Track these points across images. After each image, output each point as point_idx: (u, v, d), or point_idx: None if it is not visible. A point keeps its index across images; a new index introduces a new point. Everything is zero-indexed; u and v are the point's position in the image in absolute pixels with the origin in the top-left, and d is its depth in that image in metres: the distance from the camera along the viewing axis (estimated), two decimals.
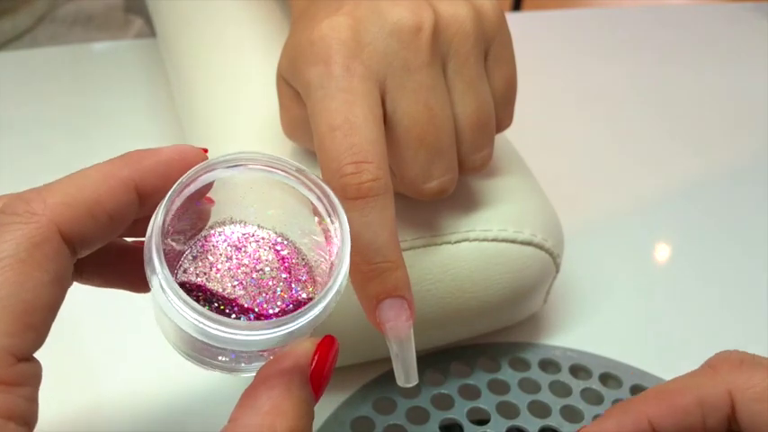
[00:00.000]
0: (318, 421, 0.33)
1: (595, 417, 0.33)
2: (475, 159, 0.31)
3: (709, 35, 0.74)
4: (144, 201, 0.22)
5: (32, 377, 0.20)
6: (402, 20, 0.28)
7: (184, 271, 0.24)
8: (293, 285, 0.24)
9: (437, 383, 0.35)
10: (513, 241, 0.33)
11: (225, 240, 0.25)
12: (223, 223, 0.25)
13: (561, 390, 0.35)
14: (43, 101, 0.54)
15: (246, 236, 0.25)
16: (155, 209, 0.22)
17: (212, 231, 0.25)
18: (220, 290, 0.24)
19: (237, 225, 0.25)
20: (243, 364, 0.23)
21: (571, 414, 0.34)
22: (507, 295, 0.34)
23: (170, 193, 0.22)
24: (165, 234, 0.22)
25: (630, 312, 0.41)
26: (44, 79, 0.57)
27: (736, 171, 0.54)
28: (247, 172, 0.24)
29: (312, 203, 0.24)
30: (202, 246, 0.25)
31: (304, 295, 0.24)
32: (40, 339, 0.20)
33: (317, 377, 0.22)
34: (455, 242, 0.32)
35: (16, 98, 0.54)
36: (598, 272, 0.43)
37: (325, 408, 0.33)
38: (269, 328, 0.21)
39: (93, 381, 0.34)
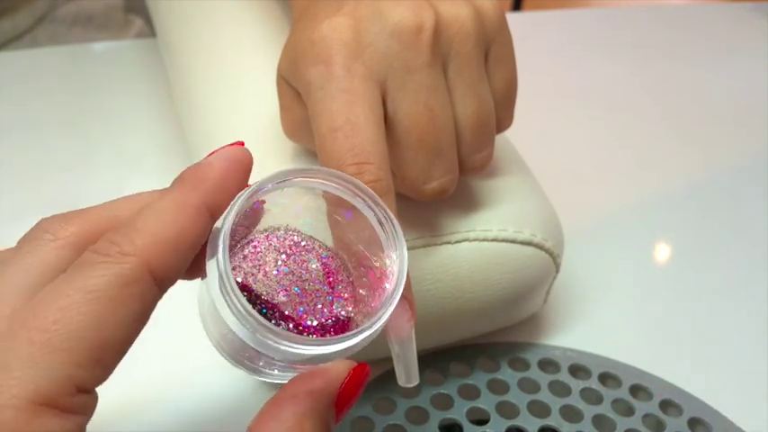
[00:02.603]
0: None
1: (595, 417, 0.33)
2: (475, 160, 0.31)
3: (709, 35, 0.74)
4: (213, 216, 0.23)
5: (88, 409, 0.20)
6: (403, 20, 0.28)
7: (233, 269, 0.24)
8: (335, 301, 0.25)
9: (437, 383, 0.35)
10: (513, 241, 0.33)
11: (276, 246, 0.25)
12: (277, 229, 0.25)
13: (561, 389, 0.35)
14: (43, 101, 0.54)
15: (297, 244, 0.25)
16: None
17: (265, 234, 0.25)
18: (264, 293, 0.24)
19: (290, 233, 0.25)
20: (276, 371, 0.24)
21: (570, 414, 0.34)
22: (507, 295, 0.34)
23: (243, 197, 0.22)
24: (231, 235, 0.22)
25: (630, 312, 0.41)
26: (44, 79, 0.57)
27: (736, 171, 0.54)
28: (313, 186, 0.24)
29: (374, 228, 0.24)
30: (254, 247, 0.25)
31: (344, 314, 0.25)
32: (105, 375, 0.20)
33: (342, 402, 0.23)
34: (455, 242, 0.32)
35: (16, 98, 0.54)
36: (598, 272, 0.43)
37: None
38: (318, 345, 0.22)
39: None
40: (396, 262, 0.23)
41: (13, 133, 0.51)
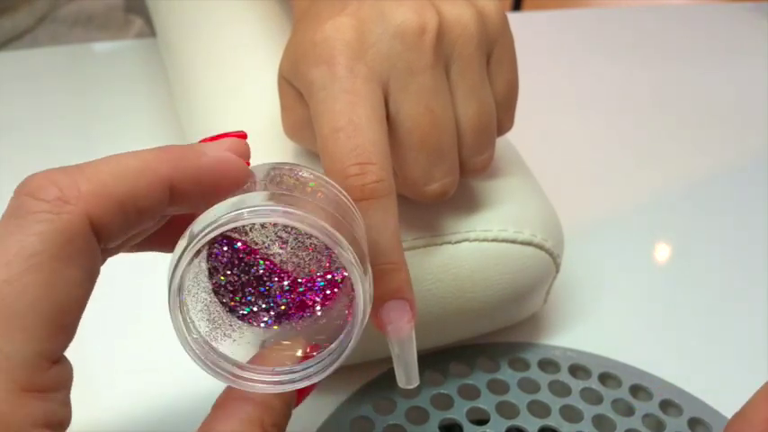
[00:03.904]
0: (318, 421, 0.33)
1: (595, 417, 0.33)
2: (476, 162, 0.31)
3: (709, 35, 0.74)
4: (173, 201, 0.21)
5: (66, 379, 0.19)
6: (406, 21, 0.28)
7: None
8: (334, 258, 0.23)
9: (437, 383, 0.35)
10: (513, 241, 0.33)
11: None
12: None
13: (561, 389, 0.35)
14: (43, 101, 0.54)
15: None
16: (182, 209, 0.21)
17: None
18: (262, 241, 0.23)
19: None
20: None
21: (570, 414, 0.34)
22: (507, 295, 0.34)
23: (190, 249, 0.20)
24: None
25: (630, 312, 0.41)
26: (44, 79, 0.57)
27: (736, 171, 0.54)
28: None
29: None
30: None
31: (339, 274, 0.24)
32: (70, 338, 0.19)
33: (305, 388, 0.23)
34: (455, 242, 0.32)
35: (16, 98, 0.54)
36: (598, 272, 0.43)
37: (325, 408, 0.33)
38: (269, 383, 0.22)
39: (91, 386, 0.34)
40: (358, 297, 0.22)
41: (13, 133, 0.51)
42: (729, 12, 0.78)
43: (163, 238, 0.24)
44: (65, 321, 0.18)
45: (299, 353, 0.23)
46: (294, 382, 0.22)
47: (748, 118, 0.60)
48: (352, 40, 0.28)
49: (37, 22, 0.63)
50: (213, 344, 0.22)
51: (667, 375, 0.36)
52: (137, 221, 0.20)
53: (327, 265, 0.23)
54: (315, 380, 0.22)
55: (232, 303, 0.23)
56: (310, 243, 0.23)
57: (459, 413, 0.33)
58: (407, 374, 0.26)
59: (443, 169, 0.29)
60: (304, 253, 0.23)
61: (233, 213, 0.20)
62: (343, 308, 0.24)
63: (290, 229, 0.23)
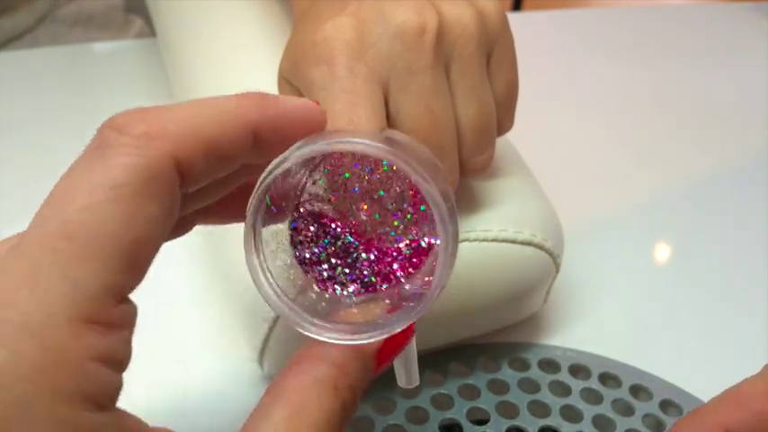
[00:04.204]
0: None
1: (595, 417, 0.33)
2: (476, 162, 0.31)
3: (709, 35, 0.74)
4: (255, 147, 0.21)
5: (130, 320, 0.18)
6: (406, 21, 0.28)
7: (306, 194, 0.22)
8: (419, 224, 0.23)
9: (437, 383, 0.35)
10: (513, 241, 0.33)
11: (356, 162, 0.23)
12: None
13: (561, 390, 0.35)
14: (43, 101, 0.54)
15: (378, 164, 0.23)
16: (262, 158, 0.21)
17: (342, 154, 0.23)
18: (341, 210, 0.23)
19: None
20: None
21: (571, 414, 0.34)
22: (507, 295, 0.34)
23: (275, 172, 0.20)
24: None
25: (630, 312, 0.41)
26: (44, 79, 0.57)
27: (736, 171, 0.54)
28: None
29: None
30: (334, 160, 0.23)
31: (427, 240, 0.23)
32: (140, 278, 0.18)
33: (386, 352, 0.22)
34: None
35: (16, 98, 0.54)
36: (598, 272, 0.43)
37: None
38: (346, 338, 0.21)
39: None
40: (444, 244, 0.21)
41: (13, 133, 0.51)
42: (729, 12, 0.78)
43: (228, 207, 0.24)
44: (139, 258, 0.18)
45: (380, 312, 0.23)
46: (373, 334, 0.21)
47: (748, 118, 0.60)
48: (352, 40, 0.28)
49: (37, 22, 0.63)
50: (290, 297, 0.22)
51: (667, 375, 0.36)
52: (220, 166, 0.20)
53: (414, 230, 0.23)
54: (395, 329, 0.21)
55: (316, 273, 0.23)
56: (396, 207, 0.23)
57: (459, 413, 0.33)
58: (408, 374, 0.26)
59: (443, 169, 0.29)
60: (390, 218, 0.23)
61: (328, 141, 0.20)
62: (427, 272, 0.23)
63: (375, 192, 0.23)
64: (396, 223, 0.23)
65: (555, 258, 0.35)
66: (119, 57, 0.61)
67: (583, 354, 0.37)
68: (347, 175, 0.23)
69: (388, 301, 0.23)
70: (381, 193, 0.23)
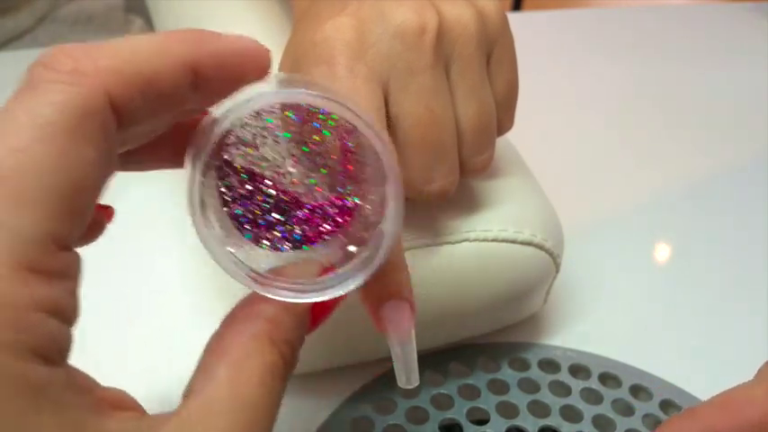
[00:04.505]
0: (318, 421, 0.33)
1: (595, 417, 0.33)
2: (476, 162, 0.31)
3: (709, 35, 0.74)
4: (195, 87, 0.20)
5: (75, 269, 0.17)
6: (406, 21, 0.28)
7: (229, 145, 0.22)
8: (346, 182, 0.23)
9: (437, 383, 0.35)
10: (513, 241, 0.33)
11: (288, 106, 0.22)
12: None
13: (561, 390, 0.35)
14: None
15: (312, 112, 0.22)
16: (203, 100, 0.20)
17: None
18: (271, 164, 0.22)
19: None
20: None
21: (571, 414, 0.34)
22: (507, 295, 0.34)
23: (251, 99, 0.19)
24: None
25: (630, 312, 0.41)
26: None
27: (736, 171, 0.54)
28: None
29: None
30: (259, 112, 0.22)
31: (352, 199, 0.23)
32: (82, 225, 0.17)
33: (319, 307, 0.22)
34: (455, 242, 0.32)
35: None
36: (598, 272, 0.43)
37: (325, 408, 0.33)
38: (294, 296, 0.21)
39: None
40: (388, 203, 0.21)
41: None
42: (729, 12, 0.78)
43: (169, 149, 0.23)
44: (78, 203, 0.17)
45: (315, 271, 0.23)
46: (316, 292, 0.21)
47: (748, 118, 0.60)
48: (352, 40, 0.28)
49: (37, 21, 0.63)
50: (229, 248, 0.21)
51: (667, 375, 0.36)
52: (159, 105, 0.19)
53: (341, 189, 0.23)
54: (338, 293, 0.21)
55: (246, 227, 0.23)
56: (324, 163, 0.23)
57: (459, 413, 0.33)
58: (408, 374, 0.26)
59: (443, 169, 0.29)
60: (316, 174, 0.23)
61: (265, 90, 0.19)
62: (357, 232, 0.23)
63: (303, 145, 0.22)
64: (321, 178, 0.23)
65: (555, 258, 0.35)
66: None
67: (583, 354, 0.37)
68: (269, 120, 0.23)
69: (319, 262, 0.23)
70: (306, 149, 0.23)
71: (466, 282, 0.32)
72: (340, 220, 0.23)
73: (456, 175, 0.30)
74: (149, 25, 0.66)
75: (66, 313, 0.17)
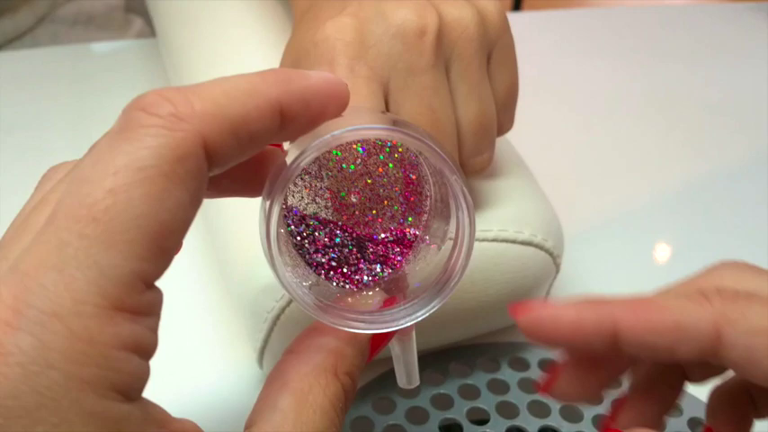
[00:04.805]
0: None
1: (595, 417, 0.33)
2: (475, 162, 0.31)
3: (709, 35, 0.74)
4: (282, 125, 0.20)
5: (158, 306, 0.18)
6: (406, 22, 0.28)
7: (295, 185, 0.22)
8: (408, 213, 0.23)
9: (437, 383, 0.35)
10: (513, 241, 0.33)
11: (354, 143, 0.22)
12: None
13: None
14: (43, 101, 0.54)
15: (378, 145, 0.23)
16: (289, 135, 0.20)
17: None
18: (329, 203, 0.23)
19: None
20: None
21: (571, 414, 0.34)
22: (507, 295, 0.34)
23: (326, 139, 0.20)
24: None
25: None
26: (44, 79, 0.57)
27: (736, 171, 0.54)
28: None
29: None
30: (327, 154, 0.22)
31: (412, 231, 0.23)
32: (168, 263, 0.18)
33: (378, 338, 0.23)
34: None
35: (16, 98, 0.54)
36: (598, 272, 0.43)
37: None
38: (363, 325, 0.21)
39: None
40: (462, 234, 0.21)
41: (14, 133, 0.51)
42: (729, 12, 0.78)
43: (230, 178, 0.23)
44: (166, 243, 0.17)
45: (379, 302, 0.23)
46: (385, 323, 0.22)
47: (748, 118, 0.60)
48: (353, 40, 0.28)
49: (37, 22, 0.63)
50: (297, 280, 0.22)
51: None
52: (248, 146, 0.19)
53: (402, 220, 0.23)
54: (405, 324, 0.22)
55: (310, 258, 0.23)
56: (387, 195, 0.23)
57: (459, 413, 0.33)
58: (408, 374, 0.26)
59: None
60: (378, 206, 0.23)
61: (354, 128, 0.20)
62: (420, 265, 0.23)
63: (368, 177, 0.23)
64: (385, 208, 0.23)
65: (555, 258, 0.35)
66: (119, 57, 0.61)
67: None
68: (337, 152, 0.23)
69: (383, 293, 0.23)
70: (369, 180, 0.23)
71: (466, 282, 0.32)
72: (400, 251, 0.24)
73: None
74: (149, 25, 0.66)
75: (147, 350, 0.18)
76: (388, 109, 0.29)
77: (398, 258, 0.24)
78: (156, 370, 0.36)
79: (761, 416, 0.24)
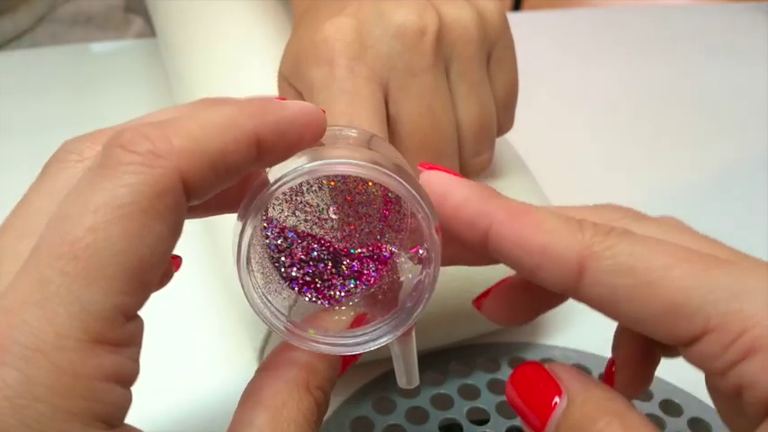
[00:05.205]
0: None
1: None
2: (475, 162, 0.31)
3: (709, 35, 0.74)
4: (259, 156, 0.20)
5: (138, 336, 0.19)
6: (406, 22, 0.28)
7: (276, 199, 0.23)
8: (385, 231, 0.23)
9: (437, 383, 0.35)
10: None
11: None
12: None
13: None
14: (43, 101, 0.54)
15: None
16: (267, 163, 0.21)
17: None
18: (311, 214, 0.23)
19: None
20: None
21: None
22: None
23: (303, 170, 0.20)
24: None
25: None
26: (44, 79, 0.57)
27: (736, 171, 0.54)
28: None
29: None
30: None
31: (389, 248, 0.24)
32: (147, 296, 0.18)
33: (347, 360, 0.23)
34: None
35: (16, 98, 0.54)
36: None
37: None
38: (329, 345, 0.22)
39: None
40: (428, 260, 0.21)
41: (13, 133, 0.51)
42: (729, 12, 0.78)
43: (226, 198, 0.23)
44: (146, 277, 0.18)
45: (347, 323, 0.23)
46: (349, 346, 0.22)
47: (748, 118, 0.60)
48: (353, 40, 0.28)
49: (36, 21, 0.63)
50: (268, 296, 0.22)
51: (667, 375, 0.36)
52: (225, 178, 0.20)
53: (379, 236, 0.24)
54: (370, 347, 0.22)
55: (285, 273, 0.24)
56: (365, 212, 0.23)
57: (459, 413, 0.33)
58: (408, 374, 0.26)
59: None
60: (356, 222, 0.23)
61: (321, 162, 0.20)
62: (392, 283, 0.24)
63: (347, 193, 0.23)
64: (361, 229, 0.24)
65: None
66: (118, 57, 0.61)
67: (582, 354, 0.37)
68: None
69: (354, 312, 0.24)
70: (349, 197, 0.24)
71: (466, 282, 0.32)
72: (375, 267, 0.24)
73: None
74: (149, 25, 0.66)
75: (129, 378, 0.18)
76: (387, 109, 0.29)
77: (373, 274, 0.24)
78: (157, 370, 0.36)
79: (668, 354, 0.24)
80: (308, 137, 0.21)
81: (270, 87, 0.35)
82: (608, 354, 0.38)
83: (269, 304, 0.22)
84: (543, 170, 0.39)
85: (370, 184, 0.23)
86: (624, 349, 0.24)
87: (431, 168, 0.22)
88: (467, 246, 0.22)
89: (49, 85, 0.56)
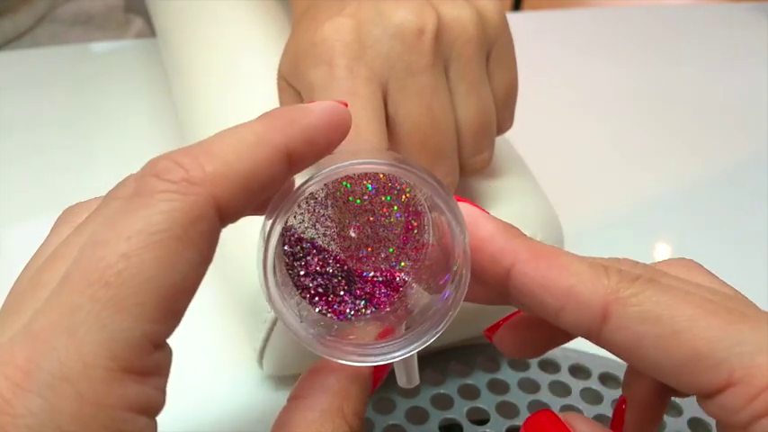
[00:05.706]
0: None
1: (595, 417, 0.33)
2: (475, 162, 0.31)
3: (709, 35, 0.74)
4: (291, 167, 0.20)
5: (166, 366, 0.18)
6: (405, 22, 0.28)
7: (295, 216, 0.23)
8: (401, 256, 0.23)
9: (437, 383, 0.35)
10: None
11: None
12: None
13: (561, 390, 0.35)
14: (43, 101, 0.54)
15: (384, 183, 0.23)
16: (296, 172, 0.21)
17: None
18: (328, 231, 0.23)
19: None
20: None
21: None
22: None
23: (330, 170, 0.20)
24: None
25: None
26: (44, 79, 0.57)
27: (735, 171, 0.54)
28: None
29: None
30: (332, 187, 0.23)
31: (402, 276, 0.24)
32: (177, 324, 0.18)
33: (381, 370, 0.23)
34: None
35: (16, 98, 0.54)
36: None
37: None
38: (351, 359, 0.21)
39: None
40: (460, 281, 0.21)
41: (14, 133, 0.51)
42: (729, 12, 0.78)
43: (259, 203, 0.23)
44: (176, 305, 0.18)
45: (376, 332, 0.23)
46: (383, 355, 0.22)
47: (748, 118, 0.60)
48: (352, 40, 0.28)
49: (36, 22, 0.63)
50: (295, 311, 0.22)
51: None
52: (259, 195, 0.19)
53: (395, 263, 0.24)
54: (404, 355, 0.22)
55: (299, 280, 0.23)
56: (385, 236, 0.23)
57: (459, 413, 0.33)
58: (408, 374, 0.26)
59: (443, 169, 0.29)
60: (374, 244, 0.23)
61: (349, 161, 0.20)
62: (401, 311, 0.24)
63: (371, 214, 0.23)
64: (380, 248, 0.24)
65: None
66: (118, 57, 0.61)
67: (582, 354, 0.37)
68: (347, 184, 0.23)
69: (379, 323, 0.23)
70: (372, 218, 0.23)
71: None
72: (387, 293, 0.24)
73: (456, 174, 0.30)
74: (149, 25, 0.66)
75: (154, 409, 0.18)
76: (387, 109, 0.29)
77: (384, 299, 0.24)
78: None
79: (678, 394, 0.24)
80: (336, 138, 0.21)
81: (270, 87, 0.35)
82: (608, 354, 0.38)
83: (298, 318, 0.22)
84: (543, 170, 0.39)
85: (395, 208, 0.23)
86: (636, 390, 0.24)
87: (460, 200, 0.22)
88: (486, 282, 0.22)
89: (50, 84, 0.56)
